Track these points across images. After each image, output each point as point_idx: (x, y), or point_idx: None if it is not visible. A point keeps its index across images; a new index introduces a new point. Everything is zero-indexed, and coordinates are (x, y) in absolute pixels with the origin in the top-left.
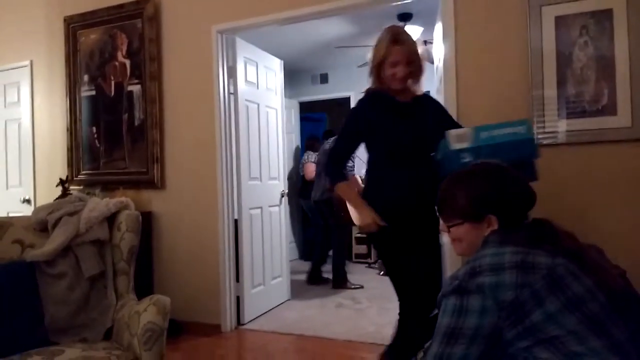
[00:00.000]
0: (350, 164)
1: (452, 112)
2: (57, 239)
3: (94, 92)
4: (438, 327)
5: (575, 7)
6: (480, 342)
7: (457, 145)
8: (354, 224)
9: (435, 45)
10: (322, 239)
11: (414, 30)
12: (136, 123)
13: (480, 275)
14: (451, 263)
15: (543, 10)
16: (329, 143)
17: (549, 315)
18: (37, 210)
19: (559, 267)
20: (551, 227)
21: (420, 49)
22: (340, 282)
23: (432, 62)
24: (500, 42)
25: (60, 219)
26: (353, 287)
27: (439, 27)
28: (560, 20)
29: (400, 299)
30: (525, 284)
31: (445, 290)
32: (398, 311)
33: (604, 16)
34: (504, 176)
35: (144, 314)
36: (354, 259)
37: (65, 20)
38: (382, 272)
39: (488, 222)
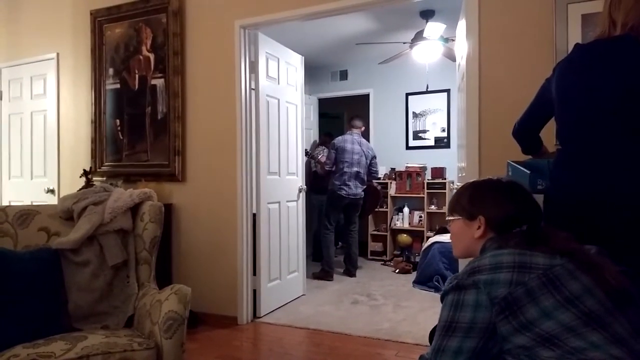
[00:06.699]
0: None
1: (474, 109)
2: (82, 227)
3: (118, 85)
4: (439, 321)
5: (602, 4)
6: (475, 336)
7: None
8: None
9: (458, 42)
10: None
11: (436, 28)
12: (159, 116)
13: (478, 274)
14: None
15: (569, 8)
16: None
17: (544, 312)
18: (63, 199)
19: (557, 267)
20: (546, 230)
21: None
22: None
23: (454, 60)
24: (525, 40)
25: (85, 208)
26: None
27: (462, 25)
28: (586, 18)
29: None
30: (520, 282)
31: (446, 287)
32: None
33: None
34: (512, 191)
35: (166, 302)
36: (369, 256)
37: (91, 13)
38: (397, 270)
39: (479, 223)
